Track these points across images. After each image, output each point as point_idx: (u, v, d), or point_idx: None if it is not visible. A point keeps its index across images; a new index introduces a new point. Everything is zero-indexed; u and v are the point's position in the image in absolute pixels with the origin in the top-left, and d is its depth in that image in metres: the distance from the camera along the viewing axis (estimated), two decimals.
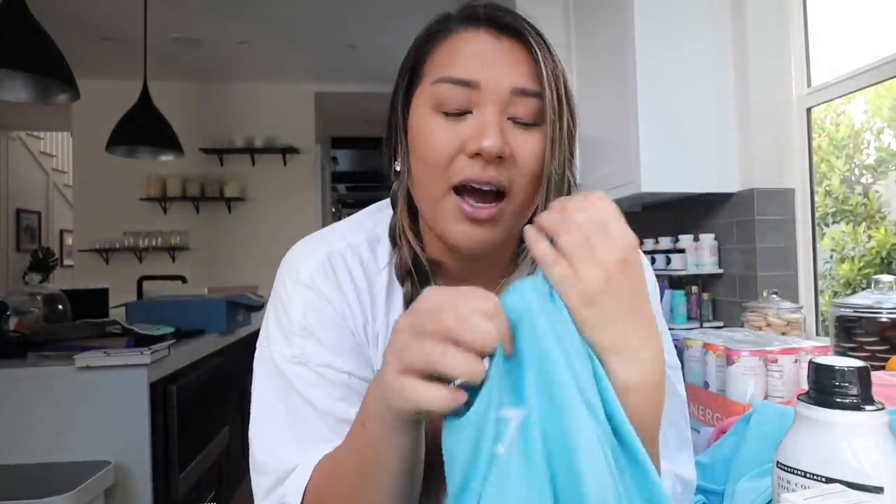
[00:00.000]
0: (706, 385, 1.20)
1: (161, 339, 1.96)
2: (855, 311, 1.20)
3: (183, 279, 3.45)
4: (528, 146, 0.53)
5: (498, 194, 0.54)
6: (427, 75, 0.56)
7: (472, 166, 0.52)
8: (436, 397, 0.39)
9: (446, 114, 0.54)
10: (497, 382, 0.40)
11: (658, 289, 0.67)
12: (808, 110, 1.77)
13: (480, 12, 0.55)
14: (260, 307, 2.97)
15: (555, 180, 0.54)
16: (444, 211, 0.54)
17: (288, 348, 0.57)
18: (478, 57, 0.53)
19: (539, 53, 0.53)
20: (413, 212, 0.61)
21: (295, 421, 0.56)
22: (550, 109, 0.53)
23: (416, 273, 0.59)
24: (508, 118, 0.54)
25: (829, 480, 0.42)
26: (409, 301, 0.59)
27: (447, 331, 0.39)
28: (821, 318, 1.74)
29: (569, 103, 0.55)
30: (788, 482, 0.45)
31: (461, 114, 0.54)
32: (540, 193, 0.55)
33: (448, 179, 0.53)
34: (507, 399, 0.41)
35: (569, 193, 0.55)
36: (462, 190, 0.53)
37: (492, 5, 0.56)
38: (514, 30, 0.54)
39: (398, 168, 0.61)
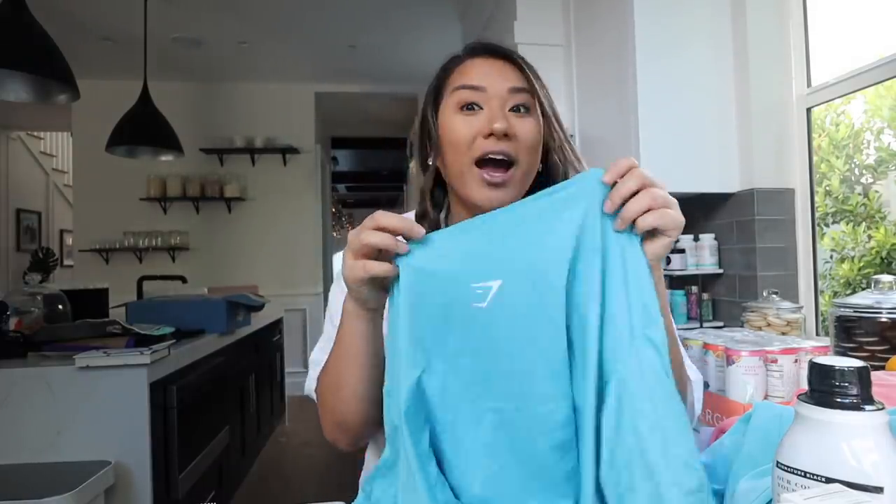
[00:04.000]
0: (706, 385, 1.20)
1: (161, 339, 1.96)
2: (855, 311, 1.20)
3: (183, 279, 3.45)
4: (525, 127, 0.76)
5: (508, 164, 0.74)
6: (448, 89, 0.79)
7: (488, 143, 0.73)
8: (375, 265, 0.60)
9: (464, 111, 0.76)
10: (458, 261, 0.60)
11: None
12: (808, 110, 1.77)
13: (479, 46, 0.81)
14: (260, 307, 2.97)
15: (554, 148, 0.78)
16: (469, 180, 0.75)
17: (337, 287, 0.84)
18: (481, 71, 0.77)
19: (523, 65, 0.78)
20: (435, 198, 0.83)
21: (328, 338, 0.82)
22: (537, 98, 0.77)
23: None
24: (509, 110, 0.75)
25: (828, 480, 0.42)
26: None
27: (370, 224, 0.60)
28: (821, 318, 1.74)
29: (549, 97, 0.78)
30: (788, 482, 0.45)
31: (473, 109, 0.76)
32: (537, 162, 0.78)
33: (471, 156, 0.74)
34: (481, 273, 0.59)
35: (565, 160, 0.78)
36: (482, 163, 0.74)
37: (486, 41, 0.81)
38: (503, 53, 0.79)
39: (430, 162, 0.82)
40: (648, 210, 0.57)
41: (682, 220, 0.59)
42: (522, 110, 0.76)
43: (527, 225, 0.60)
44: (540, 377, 0.57)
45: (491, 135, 0.73)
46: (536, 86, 0.76)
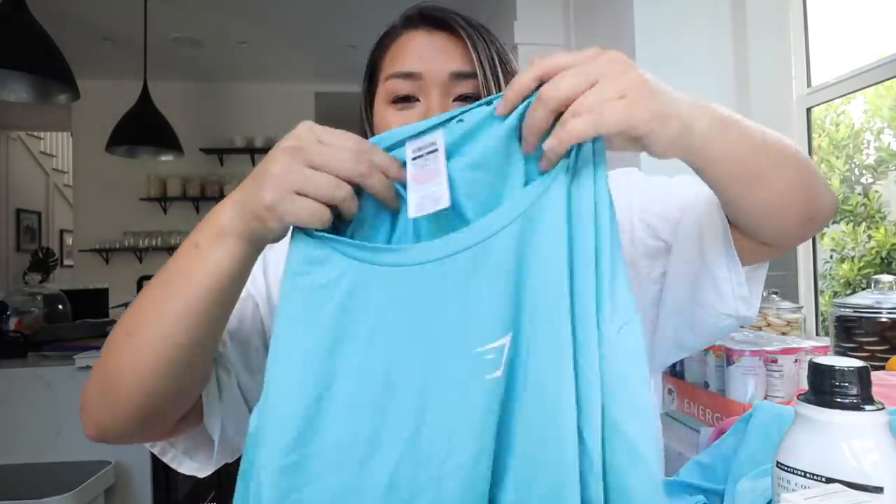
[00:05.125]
0: (706, 385, 1.20)
1: None
2: (855, 311, 1.20)
3: None
4: None
5: None
6: (381, 76, 0.65)
7: None
8: (307, 208, 0.42)
9: (397, 103, 0.62)
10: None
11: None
12: (808, 110, 1.76)
13: (416, 15, 0.64)
14: None
15: None
16: None
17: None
18: (416, 52, 0.62)
19: (468, 40, 0.60)
20: None
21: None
22: (483, 88, 0.60)
23: None
24: (455, 99, 0.61)
25: (829, 480, 0.42)
26: None
27: (319, 158, 0.42)
28: (821, 318, 1.74)
29: (508, 79, 0.61)
30: (788, 482, 0.45)
31: (410, 101, 0.62)
32: None
33: None
34: (496, 327, 0.42)
35: None
36: None
37: (427, 7, 0.64)
38: (446, 24, 0.62)
39: None
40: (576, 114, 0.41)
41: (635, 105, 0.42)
42: (470, 101, 0.60)
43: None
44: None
45: None
46: (486, 68, 0.60)
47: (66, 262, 6.55)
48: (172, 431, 0.56)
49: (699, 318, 0.61)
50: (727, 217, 0.58)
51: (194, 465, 0.60)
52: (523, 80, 0.43)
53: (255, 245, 0.46)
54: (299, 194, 0.42)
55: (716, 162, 0.50)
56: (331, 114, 5.87)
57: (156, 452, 0.60)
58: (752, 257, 0.61)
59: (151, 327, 0.47)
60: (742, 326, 1.57)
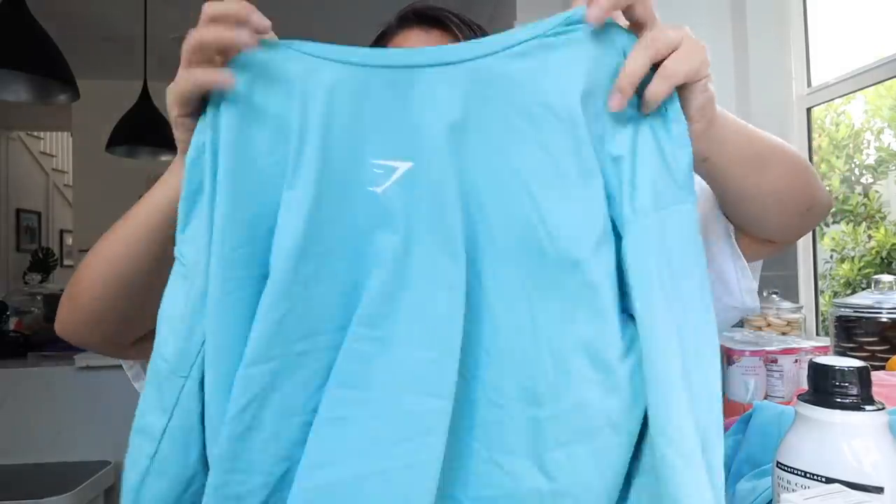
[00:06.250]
0: None
1: None
2: (855, 311, 1.20)
3: None
4: None
5: None
6: None
7: None
8: (203, 72, 0.41)
9: None
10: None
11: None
12: (808, 110, 1.76)
13: (410, 15, 0.66)
14: None
15: None
16: None
17: None
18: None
19: (462, 37, 0.61)
20: None
21: None
22: None
23: None
24: None
25: (829, 480, 0.42)
26: None
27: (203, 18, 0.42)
28: (821, 318, 1.74)
29: None
30: (788, 482, 0.45)
31: None
32: None
33: None
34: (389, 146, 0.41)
35: None
36: None
37: (421, 6, 0.66)
38: (440, 22, 0.63)
39: None
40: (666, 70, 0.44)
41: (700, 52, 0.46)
42: None
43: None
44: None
45: None
46: None
47: (66, 262, 6.54)
48: (132, 352, 0.62)
49: None
50: (732, 219, 0.61)
51: None
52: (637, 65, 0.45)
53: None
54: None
55: (726, 143, 0.54)
56: None
57: (125, 368, 0.67)
58: (754, 255, 0.63)
59: (108, 243, 0.54)
60: (741, 325, 1.57)
